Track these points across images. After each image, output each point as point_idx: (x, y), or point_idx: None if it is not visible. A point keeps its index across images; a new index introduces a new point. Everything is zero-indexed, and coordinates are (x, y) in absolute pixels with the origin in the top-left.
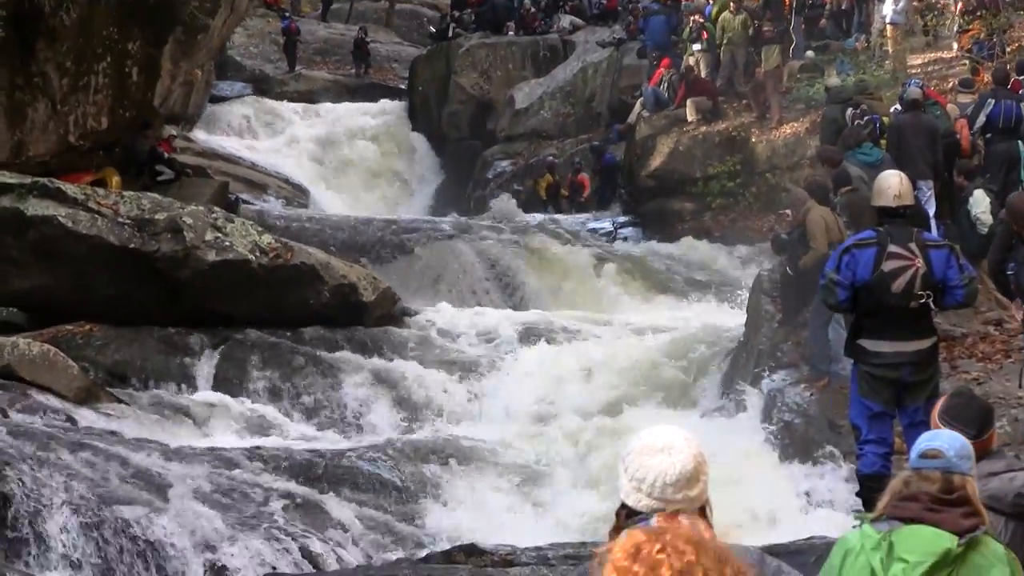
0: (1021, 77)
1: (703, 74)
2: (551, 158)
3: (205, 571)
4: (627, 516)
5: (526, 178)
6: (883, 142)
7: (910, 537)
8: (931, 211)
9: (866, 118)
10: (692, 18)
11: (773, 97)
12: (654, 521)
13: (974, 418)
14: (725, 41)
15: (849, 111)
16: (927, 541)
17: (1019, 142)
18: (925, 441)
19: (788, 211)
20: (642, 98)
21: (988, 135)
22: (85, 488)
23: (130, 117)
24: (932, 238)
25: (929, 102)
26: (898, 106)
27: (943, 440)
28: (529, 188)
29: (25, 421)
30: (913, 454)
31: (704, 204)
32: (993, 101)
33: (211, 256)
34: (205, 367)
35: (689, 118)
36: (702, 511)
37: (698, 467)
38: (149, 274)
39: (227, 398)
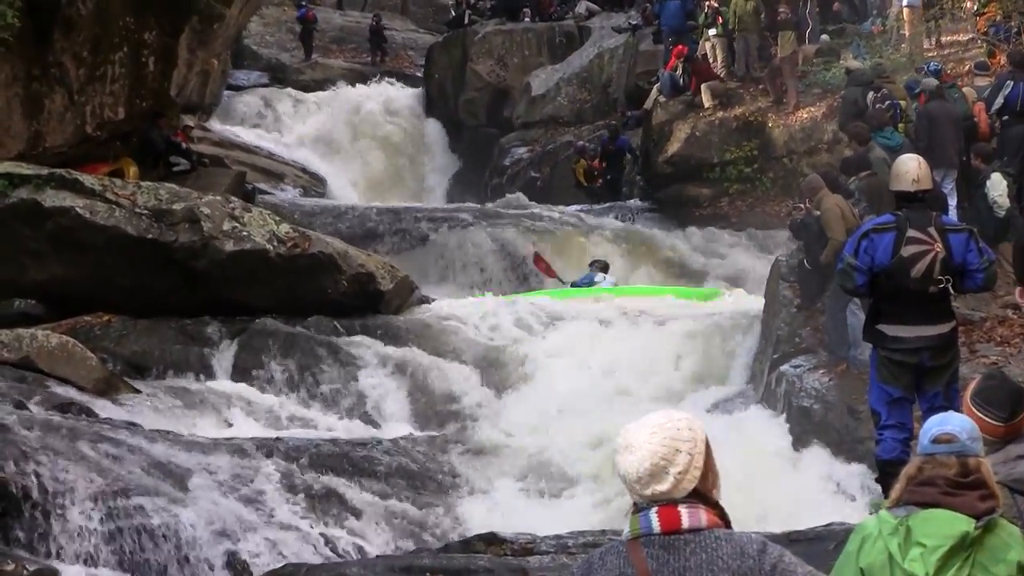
0: None
1: (719, 59)
2: (582, 143)
3: (224, 561)
4: (634, 509)
5: (543, 165)
6: (900, 127)
7: (927, 521)
8: (952, 203)
9: (887, 102)
10: (707, 3)
11: (789, 81)
12: (653, 513)
13: (1006, 401)
14: (737, 27)
15: (870, 94)
16: (944, 525)
17: None
18: (936, 426)
19: (801, 200)
20: (658, 84)
21: (1005, 117)
22: (104, 479)
23: (147, 107)
24: (951, 222)
25: (947, 85)
26: (908, 77)
27: (954, 424)
28: (546, 176)
29: (44, 413)
30: (924, 439)
31: (721, 189)
32: (1012, 83)
33: (229, 246)
34: (223, 357)
35: (705, 104)
36: (703, 498)
37: (659, 463)
38: (167, 264)
39: (246, 388)
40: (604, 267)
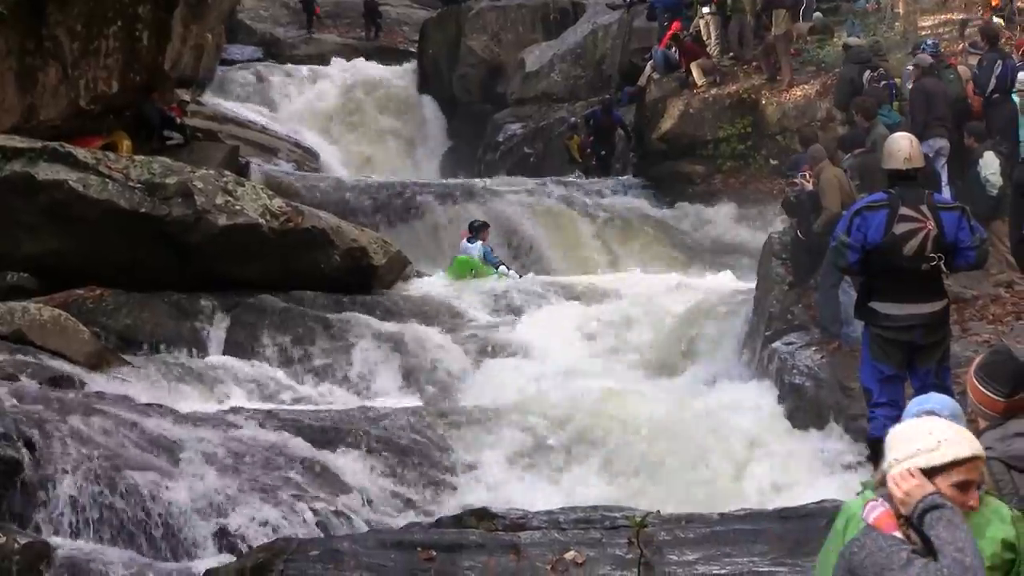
0: None
1: (713, 36)
2: (574, 119)
3: (215, 535)
4: None
5: (536, 141)
6: (895, 105)
7: None
8: (944, 180)
9: (883, 82)
10: None
11: (783, 59)
12: None
13: (1009, 377)
14: (732, 6)
15: (867, 73)
16: None
17: (1013, 99)
18: (917, 405)
19: (789, 171)
20: (652, 60)
21: (995, 95)
22: (96, 453)
23: (141, 81)
24: (943, 200)
25: (943, 65)
26: (910, 67)
27: (935, 403)
28: (540, 152)
29: (36, 386)
30: (907, 419)
31: (715, 167)
32: (1000, 62)
33: (222, 220)
34: (216, 331)
35: (697, 82)
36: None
37: (892, 439)
38: (160, 238)
39: (238, 362)
40: (482, 226)
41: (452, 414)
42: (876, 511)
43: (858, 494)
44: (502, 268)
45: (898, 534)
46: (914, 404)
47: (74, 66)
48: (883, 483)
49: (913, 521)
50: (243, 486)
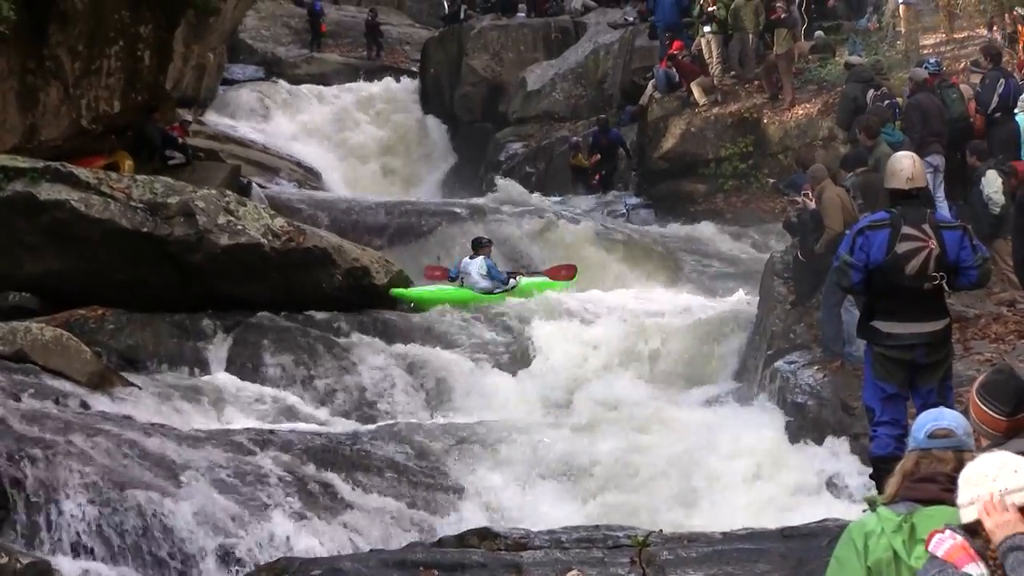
0: None
1: (715, 55)
2: (575, 138)
3: (218, 555)
4: None
5: (538, 160)
6: (898, 124)
7: (932, 518)
8: (940, 195)
9: (886, 101)
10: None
11: (785, 78)
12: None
13: (1011, 396)
14: (733, 25)
15: (870, 92)
16: (950, 521)
17: (1016, 117)
18: (931, 421)
19: (785, 190)
20: (654, 79)
21: (997, 114)
22: (98, 473)
23: (142, 101)
24: (945, 219)
25: (946, 84)
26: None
27: (949, 419)
28: (541, 171)
29: (38, 406)
30: (919, 434)
31: (716, 186)
32: (1004, 81)
33: (224, 240)
34: (218, 351)
35: (699, 101)
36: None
37: (966, 477)
38: (162, 258)
39: (240, 382)
40: (487, 243)
41: (454, 433)
42: (946, 544)
43: (864, 511)
44: (511, 281)
45: (971, 568)
46: (928, 419)
47: (75, 86)
48: (892, 499)
49: (998, 555)
50: (245, 505)
